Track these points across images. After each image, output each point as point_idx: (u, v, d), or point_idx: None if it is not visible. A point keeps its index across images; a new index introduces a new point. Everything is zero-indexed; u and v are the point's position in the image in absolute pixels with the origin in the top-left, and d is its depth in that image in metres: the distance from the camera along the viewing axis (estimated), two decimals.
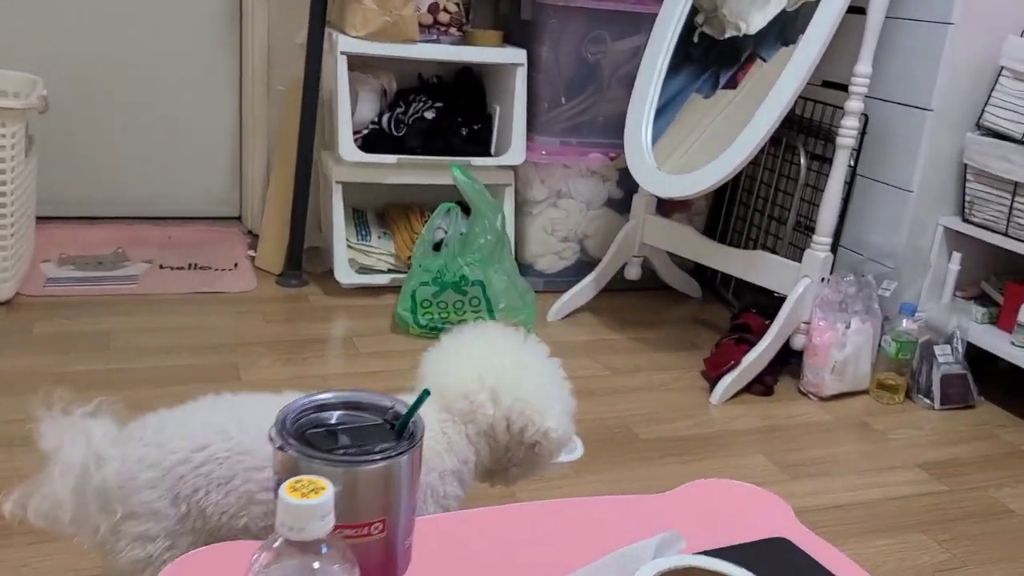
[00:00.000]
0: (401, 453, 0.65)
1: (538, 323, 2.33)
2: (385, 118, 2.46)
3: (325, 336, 2.22)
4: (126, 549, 0.93)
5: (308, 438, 0.66)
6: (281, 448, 0.63)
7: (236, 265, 2.55)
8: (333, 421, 0.69)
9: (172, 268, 2.48)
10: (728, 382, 2.02)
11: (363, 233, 2.53)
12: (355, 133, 2.41)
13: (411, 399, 0.69)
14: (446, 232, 2.34)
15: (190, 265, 2.51)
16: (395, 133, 2.45)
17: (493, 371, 1.00)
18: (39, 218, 2.45)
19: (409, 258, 2.42)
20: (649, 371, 2.18)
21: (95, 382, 1.85)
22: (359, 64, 2.45)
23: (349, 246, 2.47)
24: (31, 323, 2.07)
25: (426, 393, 0.68)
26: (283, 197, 2.50)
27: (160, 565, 0.91)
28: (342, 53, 2.31)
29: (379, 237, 2.54)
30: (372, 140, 2.44)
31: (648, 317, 2.52)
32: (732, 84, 2.27)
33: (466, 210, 2.32)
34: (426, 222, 2.43)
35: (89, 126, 2.68)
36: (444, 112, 2.49)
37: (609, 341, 2.34)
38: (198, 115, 2.79)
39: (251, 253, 2.63)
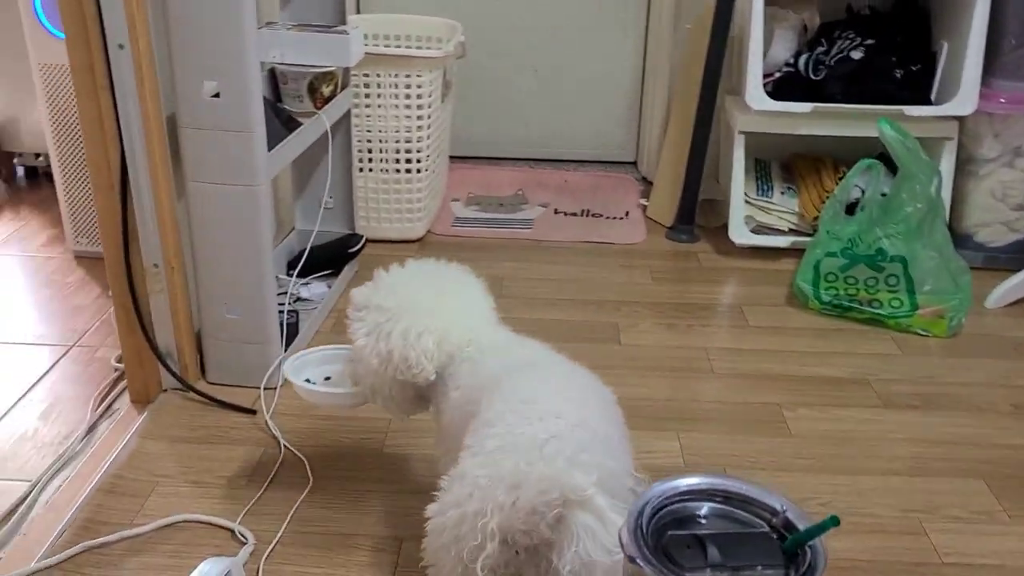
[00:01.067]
0: None
1: (972, 309, 1.92)
2: (802, 59, 2.16)
3: (713, 302, 2.05)
4: None
5: (668, 546, 0.51)
6: (633, 560, 0.49)
7: (627, 214, 2.48)
8: (702, 516, 0.54)
9: (566, 214, 2.48)
10: None
11: (764, 187, 2.29)
12: (766, 76, 2.15)
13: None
14: (863, 192, 2.02)
15: (583, 211, 2.49)
16: (813, 76, 2.14)
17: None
18: (451, 158, 2.59)
19: (815, 219, 2.14)
20: None
21: None
22: None
23: (747, 201, 2.25)
24: None
25: (834, 521, 0.50)
26: (680, 145, 2.34)
27: None
28: None
29: (782, 193, 2.28)
30: (784, 85, 2.17)
31: None
32: None
33: (891, 167, 1.97)
34: (840, 179, 2.12)
35: (500, 69, 2.76)
36: (875, 50, 2.12)
37: None
38: (602, 57, 2.73)
39: (643, 202, 2.54)
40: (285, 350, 1.68)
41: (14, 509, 1.38)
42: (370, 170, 2.20)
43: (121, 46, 1.37)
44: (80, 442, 1.54)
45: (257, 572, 1.22)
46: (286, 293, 1.92)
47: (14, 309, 2.00)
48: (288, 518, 1.32)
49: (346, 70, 1.93)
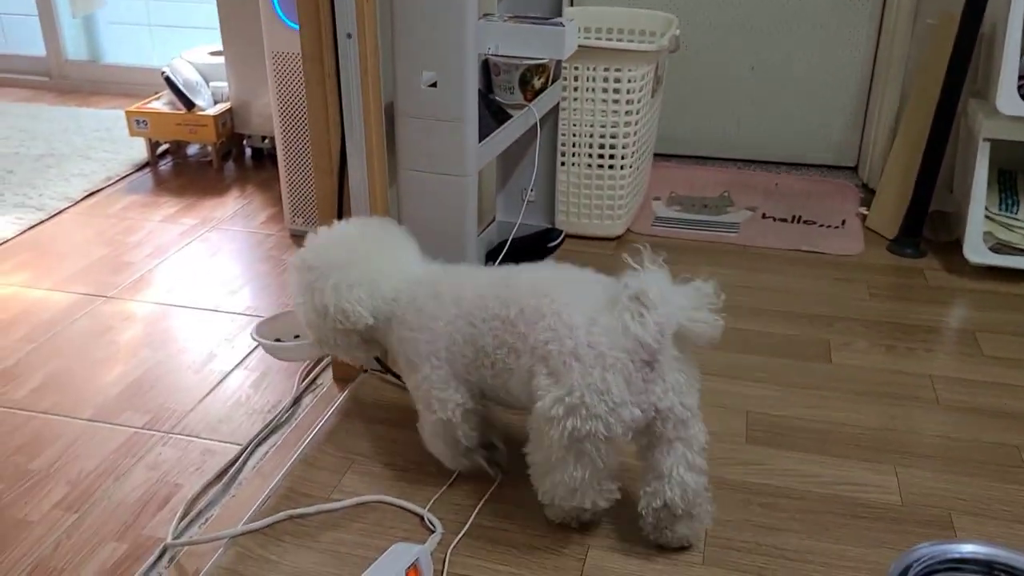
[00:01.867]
0: None
1: None
2: None
3: (939, 324, 1.86)
4: None
5: None
6: None
7: (843, 223, 2.30)
8: None
9: (775, 219, 2.34)
10: None
11: (1009, 202, 2.05)
12: (1021, 79, 1.92)
13: None
14: None
15: (794, 218, 2.34)
16: None
17: None
18: (655, 155, 2.51)
19: None
20: None
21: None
22: None
23: (987, 216, 2.03)
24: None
25: None
26: (911, 150, 2.14)
27: None
28: None
29: None
30: None
31: None
32: None
33: None
34: None
35: (714, 64, 2.65)
36: None
37: None
38: (827, 53, 2.55)
39: (862, 211, 2.35)
40: None
41: (226, 470, 1.46)
42: (574, 164, 2.17)
43: (349, 35, 1.41)
44: (286, 412, 1.62)
45: (444, 562, 1.22)
46: None
47: (235, 282, 2.14)
48: (476, 511, 1.32)
49: (558, 63, 1.91)
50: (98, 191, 2.65)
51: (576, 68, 2.07)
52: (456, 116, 1.47)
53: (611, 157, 2.14)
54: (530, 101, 1.82)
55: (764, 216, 2.35)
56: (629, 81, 2.05)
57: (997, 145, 1.98)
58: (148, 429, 1.59)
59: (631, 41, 2.33)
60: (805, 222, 2.31)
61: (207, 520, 1.34)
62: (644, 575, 1.20)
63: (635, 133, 2.12)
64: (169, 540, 1.29)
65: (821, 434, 1.50)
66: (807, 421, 1.54)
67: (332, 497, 1.35)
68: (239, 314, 1.98)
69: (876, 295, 1.97)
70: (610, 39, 2.35)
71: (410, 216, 1.58)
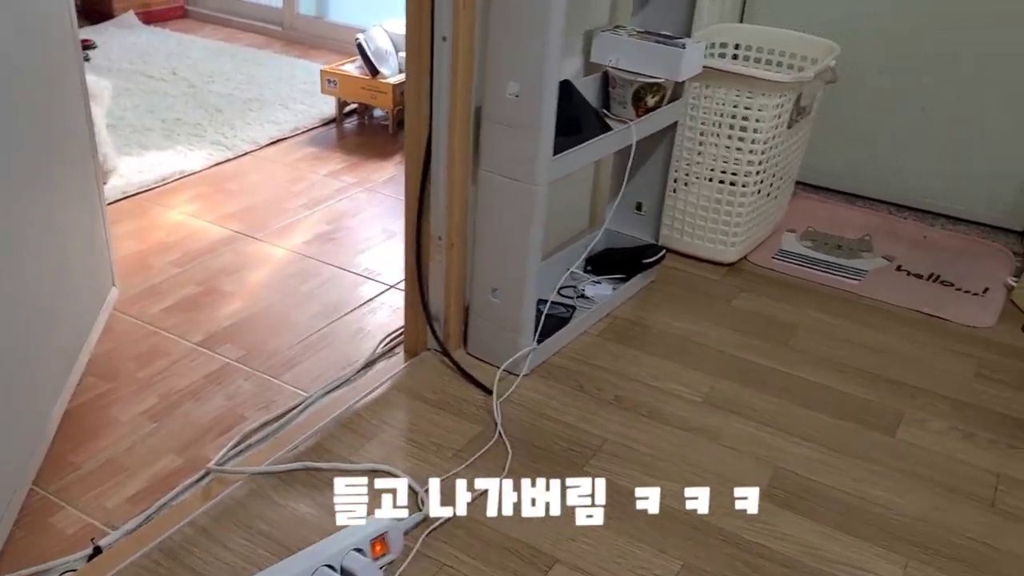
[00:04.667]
0: None
1: None
2: None
3: None
4: None
5: None
6: None
7: (986, 291, 2.11)
8: None
9: (909, 273, 2.18)
10: None
11: None
12: None
13: None
14: None
15: (931, 276, 2.17)
16: None
17: None
18: (802, 185, 2.41)
19: None
20: None
21: (751, 376, 1.77)
22: None
23: None
24: (736, 293, 2.09)
25: None
26: None
27: None
28: None
29: None
30: None
31: None
32: None
33: None
34: None
35: (881, 98, 2.47)
36: None
37: None
38: (1012, 104, 2.31)
39: (1011, 281, 2.13)
40: (538, 343, 1.74)
41: (285, 413, 1.64)
42: (690, 184, 2.14)
43: (444, 39, 1.51)
44: (356, 373, 1.77)
45: (416, 542, 1.32)
46: (574, 287, 1.98)
47: (364, 243, 2.32)
48: (466, 503, 1.39)
49: (679, 83, 1.90)
50: (283, 139, 2.94)
51: (707, 87, 2.03)
52: (532, 128, 1.53)
53: (732, 184, 2.09)
54: (640, 117, 1.83)
55: (899, 268, 2.20)
56: (759, 109, 1.99)
57: None
58: (239, 362, 1.80)
59: (791, 66, 2.24)
60: (942, 283, 2.14)
61: (248, 455, 1.52)
62: None
63: (760, 163, 2.06)
64: (211, 465, 1.48)
65: (847, 508, 1.44)
66: (839, 492, 1.47)
67: (350, 459, 1.48)
68: (356, 274, 2.16)
69: (984, 377, 1.80)
70: (769, 61, 2.27)
71: (484, 218, 1.66)
